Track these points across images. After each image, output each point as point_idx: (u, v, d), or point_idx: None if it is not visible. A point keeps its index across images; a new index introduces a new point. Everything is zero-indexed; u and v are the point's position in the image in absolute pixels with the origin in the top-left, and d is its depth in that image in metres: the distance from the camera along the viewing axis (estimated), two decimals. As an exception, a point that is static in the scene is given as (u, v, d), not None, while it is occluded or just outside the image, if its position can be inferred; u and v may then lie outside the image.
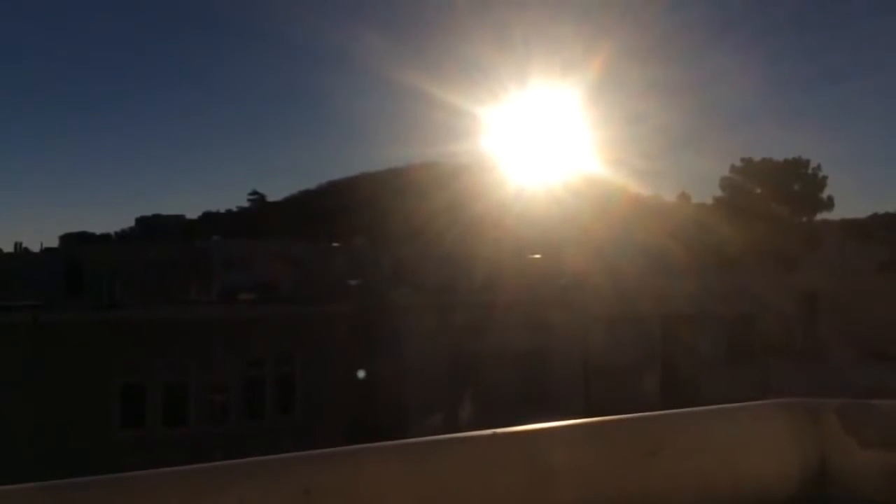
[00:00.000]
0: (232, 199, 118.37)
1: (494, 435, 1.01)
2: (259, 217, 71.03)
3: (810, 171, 44.94)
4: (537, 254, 30.26)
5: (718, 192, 44.89)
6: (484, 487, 0.97)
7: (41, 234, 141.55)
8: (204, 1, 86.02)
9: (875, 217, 56.44)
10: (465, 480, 0.95)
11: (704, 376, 24.93)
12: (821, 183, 44.79)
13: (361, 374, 23.55)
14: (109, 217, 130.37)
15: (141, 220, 79.28)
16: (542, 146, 43.49)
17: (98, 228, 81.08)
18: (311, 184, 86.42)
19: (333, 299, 26.00)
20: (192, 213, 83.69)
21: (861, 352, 26.30)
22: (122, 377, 22.72)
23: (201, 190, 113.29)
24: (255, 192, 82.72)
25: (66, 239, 63.51)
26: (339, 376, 24.05)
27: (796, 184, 44.48)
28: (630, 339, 25.60)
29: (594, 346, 25.82)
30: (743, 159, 45.02)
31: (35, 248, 49.96)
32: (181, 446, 20.73)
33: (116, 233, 79.99)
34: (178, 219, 78.41)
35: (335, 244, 42.69)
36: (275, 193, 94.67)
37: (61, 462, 18.16)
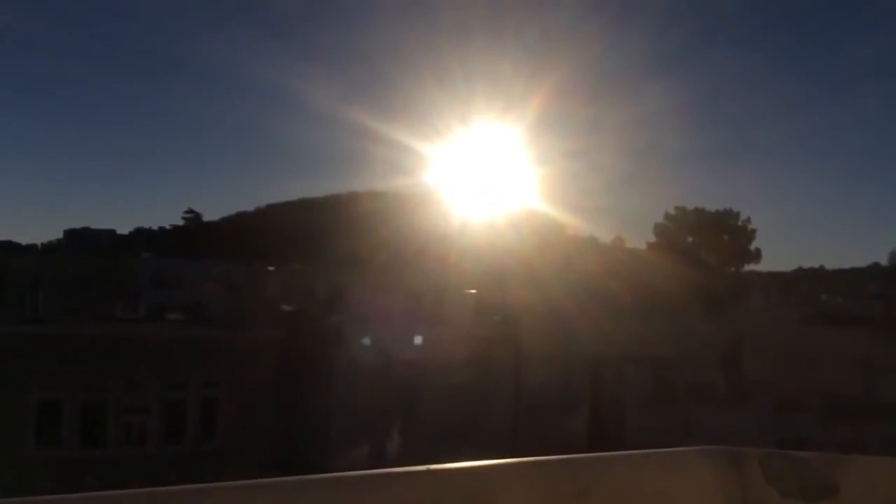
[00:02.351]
0: (166, 216, 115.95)
1: (428, 471, 1.01)
2: (193, 236, 69.74)
3: (740, 223, 46.46)
4: (474, 289, 30.39)
5: (652, 237, 46.03)
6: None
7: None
8: (149, 29, 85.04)
9: (799, 271, 58.46)
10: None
11: (632, 416, 25.28)
12: (749, 235, 46.32)
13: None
14: (37, 227, 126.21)
15: (70, 233, 77.06)
16: (485, 181, 43.99)
17: (24, 239, 78.40)
18: (249, 206, 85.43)
19: (265, 324, 25.60)
20: (124, 229, 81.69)
21: (781, 401, 27.05)
22: (39, 393, 21.90)
23: (135, 205, 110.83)
24: (190, 211, 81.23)
25: (-11, 247, 61.22)
26: (265, 402, 23.62)
27: (726, 234, 45.90)
28: (561, 377, 25.83)
29: (525, 383, 25.96)
30: (677, 207, 46.35)
31: (-45, 256, 47.93)
32: (96, 468, 20.03)
33: (43, 244, 77.49)
34: (109, 233, 76.42)
35: (270, 268, 42.14)
36: (211, 213, 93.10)
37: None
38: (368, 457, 22.82)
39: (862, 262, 72.06)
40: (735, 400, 27.96)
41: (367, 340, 23.27)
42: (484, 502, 0.99)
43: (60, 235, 78.79)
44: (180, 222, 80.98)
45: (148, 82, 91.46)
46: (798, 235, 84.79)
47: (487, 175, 43.59)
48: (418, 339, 24.76)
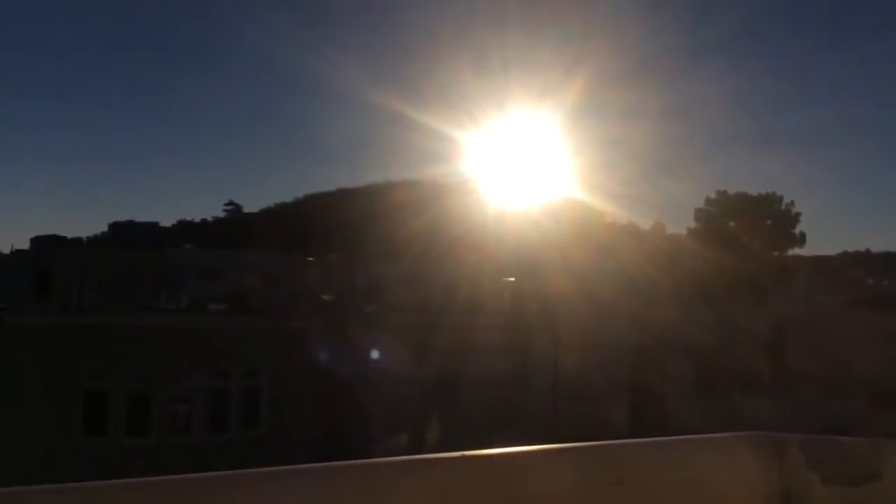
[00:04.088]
0: (208, 208, 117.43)
1: (463, 457, 1.02)
2: (234, 228, 70.58)
3: (783, 206, 45.62)
4: (512, 277, 30.33)
5: (692, 223, 45.43)
6: (451, 509, 0.97)
7: (12, 236, 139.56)
8: (190, 22, 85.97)
9: (845, 255, 57.31)
10: (433, 502, 0.95)
11: (672, 405, 25.06)
12: (793, 219, 45.47)
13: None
14: (82, 221, 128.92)
15: (114, 226, 78.53)
16: (522, 170, 43.83)
17: (70, 232, 79.95)
18: (288, 197, 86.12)
19: (305, 314, 25.84)
20: (167, 221, 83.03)
21: (825, 389, 26.59)
22: (86, 383, 22.38)
23: (177, 198, 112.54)
24: (231, 203, 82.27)
25: (37, 241, 62.71)
26: (306, 391, 23.86)
27: (769, 218, 45.11)
28: (600, 365, 25.68)
29: (565, 371, 25.87)
30: (718, 192, 45.65)
31: (5, 250, 49.32)
32: (142, 457, 20.44)
33: (88, 237, 79.08)
34: (152, 226, 77.72)
35: (310, 258, 42.50)
36: (251, 205, 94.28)
37: (19, 468, 17.83)
38: (408, 444, 22.95)
39: (909, 245, 70.29)
40: (779, 388, 27.56)
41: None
42: (519, 488, 0.99)
43: (105, 229, 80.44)
44: (221, 214, 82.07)
45: (188, 77, 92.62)
46: (843, 218, 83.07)
47: (524, 163, 43.42)
48: (455, 329, 24.78)
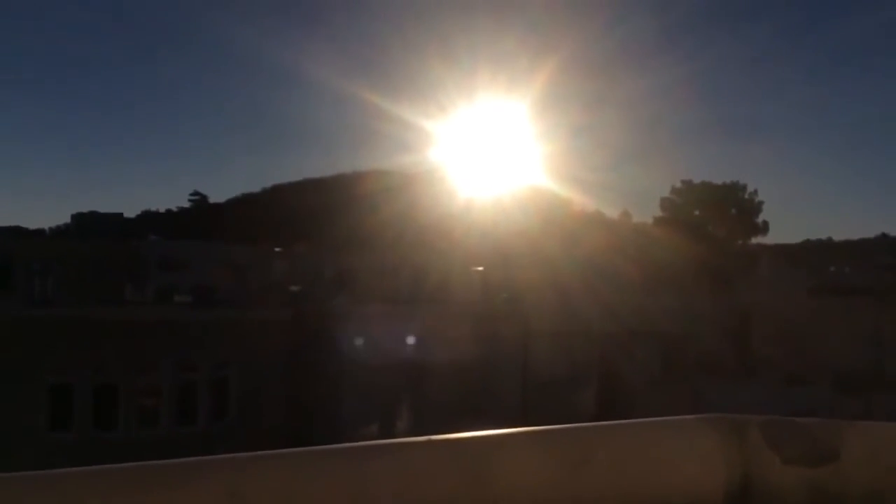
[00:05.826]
0: (173, 198, 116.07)
1: (429, 441, 1.03)
2: (200, 218, 69.87)
3: (747, 195, 46.22)
4: (481, 266, 30.41)
5: (659, 212, 45.86)
6: (418, 494, 0.98)
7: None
8: (153, 8, 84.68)
9: (807, 243, 58.27)
10: (400, 486, 0.96)
11: (640, 392, 25.36)
12: (756, 208, 46.09)
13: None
14: (44, 212, 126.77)
15: (77, 217, 77.31)
16: (490, 159, 43.98)
17: (32, 224, 78.51)
18: (255, 187, 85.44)
19: (272, 305, 25.70)
20: (131, 212, 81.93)
21: (790, 375, 27.08)
22: (51, 377, 22.08)
23: (141, 188, 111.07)
24: (196, 193, 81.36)
25: (-2, 233, 61.49)
26: (275, 382, 23.77)
27: (733, 207, 45.68)
28: (568, 353, 25.89)
29: (533, 360, 26.05)
30: (683, 181, 46.10)
31: (-37, 242, 48.10)
32: (110, 450, 20.22)
33: (51, 228, 77.74)
34: (116, 217, 76.64)
35: (277, 249, 42.22)
36: (217, 195, 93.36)
37: (-18, 463, 17.53)
38: (379, 433, 22.97)
39: (870, 232, 71.67)
40: (744, 374, 27.99)
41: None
42: (485, 471, 1.00)
43: (68, 220, 79.12)
44: (187, 205, 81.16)
45: (152, 64, 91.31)
46: (805, 207, 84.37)
47: (492, 152, 43.58)
48: (424, 318, 24.83)
